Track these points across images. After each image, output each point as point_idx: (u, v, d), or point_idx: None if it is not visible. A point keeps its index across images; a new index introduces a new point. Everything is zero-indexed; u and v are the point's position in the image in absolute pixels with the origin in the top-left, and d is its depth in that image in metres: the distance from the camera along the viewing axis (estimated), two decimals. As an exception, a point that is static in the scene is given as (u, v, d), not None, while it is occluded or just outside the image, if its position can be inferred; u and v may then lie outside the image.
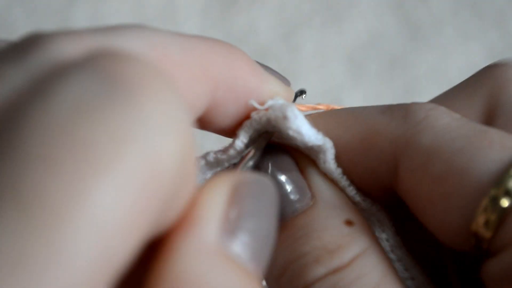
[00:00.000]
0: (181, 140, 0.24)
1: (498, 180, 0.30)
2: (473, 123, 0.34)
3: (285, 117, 0.36)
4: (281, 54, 0.98)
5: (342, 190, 0.37)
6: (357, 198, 0.37)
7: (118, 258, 0.22)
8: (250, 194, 0.28)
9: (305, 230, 0.34)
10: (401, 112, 0.35)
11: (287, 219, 0.34)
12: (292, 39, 0.99)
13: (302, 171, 0.37)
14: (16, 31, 1.00)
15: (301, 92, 0.40)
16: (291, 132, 0.36)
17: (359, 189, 0.37)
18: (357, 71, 0.98)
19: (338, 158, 0.36)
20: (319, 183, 0.36)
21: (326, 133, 0.37)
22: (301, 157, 0.37)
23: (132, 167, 0.22)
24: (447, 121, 0.34)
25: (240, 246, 0.27)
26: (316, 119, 0.38)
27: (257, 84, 0.37)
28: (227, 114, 0.35)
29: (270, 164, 0.36)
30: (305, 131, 0.36)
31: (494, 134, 0.32)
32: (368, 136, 0.35)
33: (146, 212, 0.22)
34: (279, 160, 0.36)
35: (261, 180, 0.29)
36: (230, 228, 0.27)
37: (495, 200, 0.30)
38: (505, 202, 0.30)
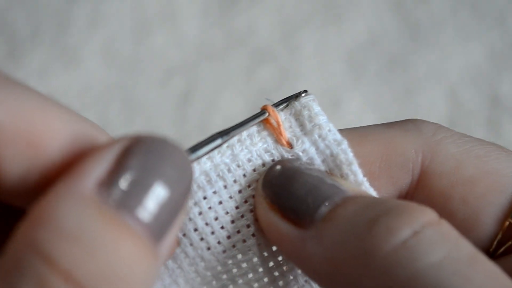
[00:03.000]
0: None
1: None
2: (474, 139, 0.39)
3: (314, 112, 0.38)
4: (281, 54, 0.98)
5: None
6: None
7: None
8: (143, 151, 0.28)
9: (371, 200, 0.33)
10: (409, 126, 0.39)
11: (338, 201, 0.34)
12: (292, 39, 1.00)
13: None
14: (16, 31, 1.00)
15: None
16: (324, 127, 0.38)
17: None
18: (357, 71, 0.98)
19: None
20: (348, 184, 0.37)
21: None
22: None
23: None
24: (458, 134, 0.38)
25: (121, 201, 0.27)
26: None
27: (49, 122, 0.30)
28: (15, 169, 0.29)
29: (301, 163, 0.37)
30: (335, 130, 0.38)
31: (502, 147, 0.38)
32: (388, 149, 0.38)
33: None
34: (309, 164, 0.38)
35: (163, 140, 0.29)
36: (113, 181, 0.27)
37: None
38: None
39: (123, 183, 0.28)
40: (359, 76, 0.98)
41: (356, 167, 0.37)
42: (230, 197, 0.37)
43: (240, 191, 0.37)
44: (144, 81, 0.98)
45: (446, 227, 0.31)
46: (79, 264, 0.26)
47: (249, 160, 0.38)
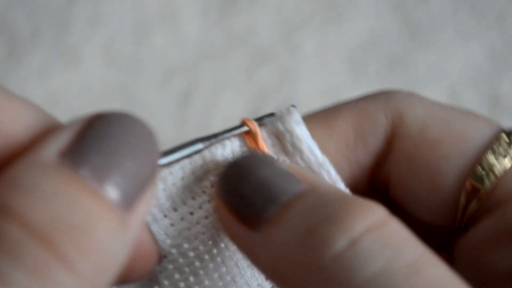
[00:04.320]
0: None
1: (495, 141, 0.34)
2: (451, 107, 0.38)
3: (296, 137, 0.37)
4: (281, 54, 0.98)
5: None
6: None
7: None
8: (103, 122, 0.29)
9: (317, 201, 0.31)
10: (381, 94, 0.39)
11: (285, 202, 0.32)
12: (292, 39, 0.99)
13: (292, 168, 0.35)
14: (16, 31, 1.00)
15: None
16: (306, 152, 0.37)
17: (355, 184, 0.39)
18: (357, 71, 0.98)
19: (337, 150, 0.38)
20: (311, 174, 0.35)
21: (322, 131, 0.39)
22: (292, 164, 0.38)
23: None
24: (431, 101, 0.38)
25: (82, 167, 0.27)
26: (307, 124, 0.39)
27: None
28: None
29: (256, 157, 0.36)
30: (318, 151, 0.37)
31: (475, 112, 0.37)
32: (360, 119, 0.38)
33: None
34: (263, 157, 0.36)
35: (124, 113, 0.29)
36: (75, 149, 0.28)
37: (494, 155, 0.34)
38: (502, 156, 0.34)
39: (85, 152, 0.28)
40: (359, 76, 0.98)
41: (341, 185, 0.37)
42: (199, 208, 0.37)
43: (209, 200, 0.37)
44: (144, 81, 0.98)
45: (389, 230, 0.29)
46: (34, 210, 0.26)
47: None
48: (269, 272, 0.32)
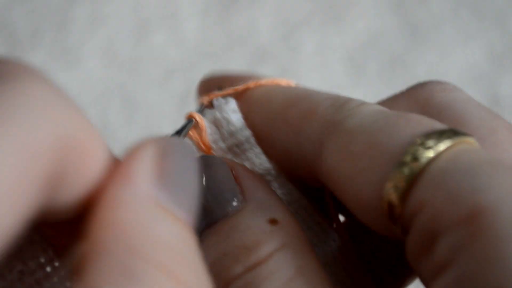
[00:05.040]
0: (59, 121, 0.26)
1: (408, 149, 0.30)
2: (398, 111, 0.34)
3: (232, 125, 0.39)
4: (281, 54, 0.98)
5: (269, 185, 0.38)
6: (285, 194, 0.39)
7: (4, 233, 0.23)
8: (176, 151, 0.30)
9: (231, 232, 0.34)
10: (341, 101, 0.37)
11: (217, 221, 0.34)
12: (292, 39, 1.00)
13: (236, 177, 0.37)
14: (16, 31, 1.00)
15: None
16: (241, 139, 0.39)
17: (290, 171, 0.39)
18: (357, 71, 0.98)
19: (275, 131, 0.39)
20: (250, 185, 0.36)
21: (268, 103, 0.39)
22: (235, 164, 0.38)
23: (8, 148, 0.24)
24: (373, 108, 0.35)
25: (171, 197, 0.28)
26: (264, 90, 0.40)
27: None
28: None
29: (202, 168, 0.37)
30: (253, 140, 0.39)
31: (414, 115, 0.33)
32: (306, 115, 0.36)
33: (28, 190, 0.24)
34: (213, 165, 0.37)
35: (182, 141, 0.31)
36: (162, 180, 0.29)
37: (403, 167, 0.30)
38: (411, 167, 0.30)
39: (171, 185, 0.29)
40: (359, 76, 0.98)
41: (268, 165, 0.38)
42: None
43: None
44: (144, 81, 0.98)
45: (272, 262, 0.32)
46: (176, 262, 0.26)
47: None
48: None
